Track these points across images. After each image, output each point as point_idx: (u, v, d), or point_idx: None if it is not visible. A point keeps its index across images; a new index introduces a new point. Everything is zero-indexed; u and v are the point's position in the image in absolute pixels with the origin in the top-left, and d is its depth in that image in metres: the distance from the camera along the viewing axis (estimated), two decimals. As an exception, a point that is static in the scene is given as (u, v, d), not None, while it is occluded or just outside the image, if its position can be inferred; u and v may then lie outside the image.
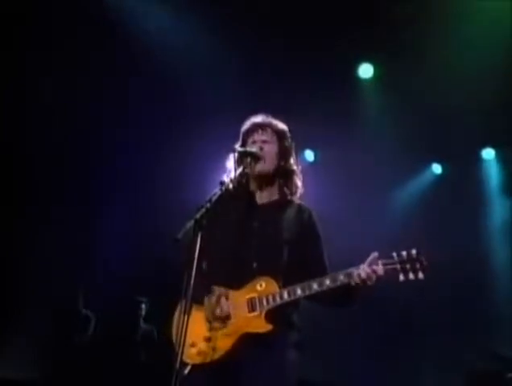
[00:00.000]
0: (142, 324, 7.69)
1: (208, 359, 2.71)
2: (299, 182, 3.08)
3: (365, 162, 7.73)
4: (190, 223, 2.52)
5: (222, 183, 2.77)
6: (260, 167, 2.95)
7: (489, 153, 8.10)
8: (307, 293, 2.67)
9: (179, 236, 2.49)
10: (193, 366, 2.72)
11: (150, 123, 7.66)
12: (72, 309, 7.65)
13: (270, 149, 2.99)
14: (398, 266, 2.61)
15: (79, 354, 7.32)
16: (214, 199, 2.64)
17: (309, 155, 8.29)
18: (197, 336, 2.73)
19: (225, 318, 2.74)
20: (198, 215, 2.53)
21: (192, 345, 2.72)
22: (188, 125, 7.52)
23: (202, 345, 2.74)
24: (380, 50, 6.91)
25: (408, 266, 2.60)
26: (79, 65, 6.84)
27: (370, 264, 2.65)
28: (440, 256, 7.39)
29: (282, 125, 3.11)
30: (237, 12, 6.42)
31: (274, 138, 3.03)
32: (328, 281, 2.67)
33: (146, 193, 8.08)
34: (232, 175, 2.89)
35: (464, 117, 7.09)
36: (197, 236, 2.50)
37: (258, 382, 2.65)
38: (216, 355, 2.70)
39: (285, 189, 3.03)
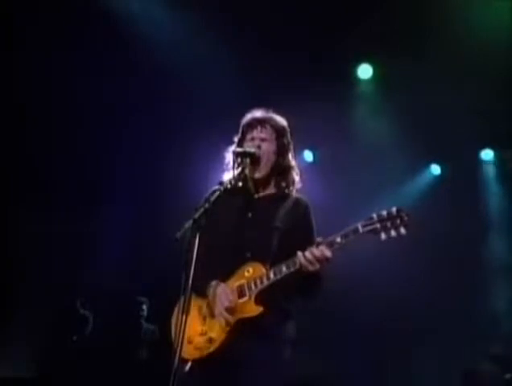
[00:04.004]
0: (145, 324, 7.74)
1: (205, 353, 2.73)
2: (296, 177, 3.10)
3: (364, 162, 7.75)
4: (189, 223, 2.54)
5: (221, 183, 2.80)
6: (257, 174, 2.98)
7: (487, 154, 8.12)
8: (292, 268, 2.68)
9: (178, 235, 2.51)
10: (193, 362, 2.74)
11: (150, 123, 7.67)
12: (69, 309, 7.68)
13: (268, 148, 3.01)
14: (378, 225, 2.57)
15: (78, 353, 7.34)
16: (213, 199, 2.66)
17: (308, 155, 8.31)
18: (193, 331, 2.76)
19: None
20: (197, 215, 2.55)
21: (189, 341, 2.73)
22: (188, 125, 7.53)
23: (198, 339, 2.77)
24: (379, 50, 6.92)
25: (389, 224, 2.55)
26: (79, 65, 6.85)
27: (318, 246, 2.66)
28: (439, 255, 7.52)
29: (281, 122, 3.12)
30: (236, 12, 6.43)
31: (273, 136, 3.04)
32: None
33: (146, 193, 8.09)
34: (230, 175, 2.91)
35: (463, 117, 7.11)
36: (195, 236, 2.52)
37: (255, 380, 2.68)
38: (213, 347, 2.73)
39: (282, 183, 3.05)
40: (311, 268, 2.64)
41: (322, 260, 2.64)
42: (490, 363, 6.50)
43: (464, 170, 8.01)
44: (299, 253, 2.67)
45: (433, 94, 6.94)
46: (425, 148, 7.77)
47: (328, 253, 2.64)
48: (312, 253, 2.64)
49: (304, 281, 2.75)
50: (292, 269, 2.68)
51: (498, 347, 6.79)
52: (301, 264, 2.65)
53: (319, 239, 2.71)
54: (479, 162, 8.16)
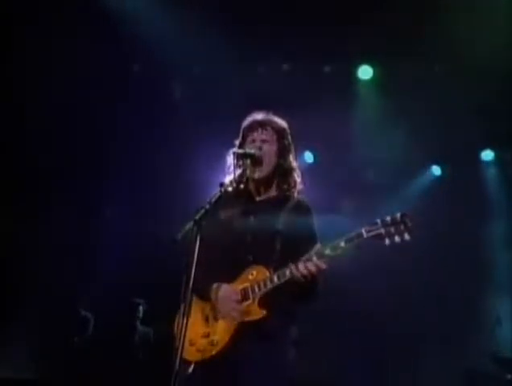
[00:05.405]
0: (140, 326, 7.67)
1: (207, 355, 2.72)
2: (297, 179, 3.10)
3: (365, 163, 7.74)
4: (189, 225, 2.53)
5: (222, 185, 2.79)
6: (258, 174, 2.98)
7: (488, 155, 8.12)
8: (295, 273, 2.66)
9: (178, 237, 2.50)
10: (196, 364, 2.74)
11: (150, 123, 7.67)
12: (70, 310, 7.65)
13: (269, 150, 3.01)
14: (383, 230, 2.55)
15: (78, 354, 7.32)
16: (214, 200, 2.65)
17: (309, 157, 8.30)
18: (195, 333, 2.75)
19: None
20: (197, 217, 2.55)
21: (191, 343, 2.73)
22: (189, 125, 7.52)
23: (200, 341, 2.76)
24: (379, 51, 6.92)
25: (393, 229, 2.54)
26: (79, 65, 6.85)
27: (318, 258, 2.64)
28: (440, 256, 7.51)
29: (282, 123, 3.12)
30: (236, 12, 6.43)
31: (274, 137, 3.04)
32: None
33: (146, 193, 8.08)
34: (231, 177, 2.91)
35: (463, 118, 7.10)
36: (196, 237, 2.50)
37: (257, 383, 2.67)
38: (215, 350, 2.72)
39: (283, 185, 3.05)
40: (303, 280, 2.64)
41: (315, 274, 2.64)
42: (492, 363, 6.49)
43: (464, 170, 8.01)
44: (291, 265, 2.66)
45: (433, 95, 6.94)
46: (426, 149, 7.77)
47: (323, 266, 2.63)
48: (307, 267, 2.63)
49: (299, 287, 2.72)
50: (295, 273, 2.66)
51: (501, 348, 6.78)
52: (293, 275, 2.65)
53: (319, 245, 2.69)
54: (479, 163, 8.16)
